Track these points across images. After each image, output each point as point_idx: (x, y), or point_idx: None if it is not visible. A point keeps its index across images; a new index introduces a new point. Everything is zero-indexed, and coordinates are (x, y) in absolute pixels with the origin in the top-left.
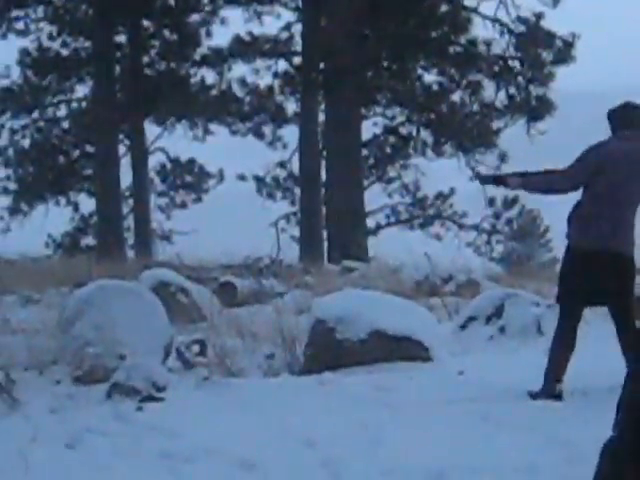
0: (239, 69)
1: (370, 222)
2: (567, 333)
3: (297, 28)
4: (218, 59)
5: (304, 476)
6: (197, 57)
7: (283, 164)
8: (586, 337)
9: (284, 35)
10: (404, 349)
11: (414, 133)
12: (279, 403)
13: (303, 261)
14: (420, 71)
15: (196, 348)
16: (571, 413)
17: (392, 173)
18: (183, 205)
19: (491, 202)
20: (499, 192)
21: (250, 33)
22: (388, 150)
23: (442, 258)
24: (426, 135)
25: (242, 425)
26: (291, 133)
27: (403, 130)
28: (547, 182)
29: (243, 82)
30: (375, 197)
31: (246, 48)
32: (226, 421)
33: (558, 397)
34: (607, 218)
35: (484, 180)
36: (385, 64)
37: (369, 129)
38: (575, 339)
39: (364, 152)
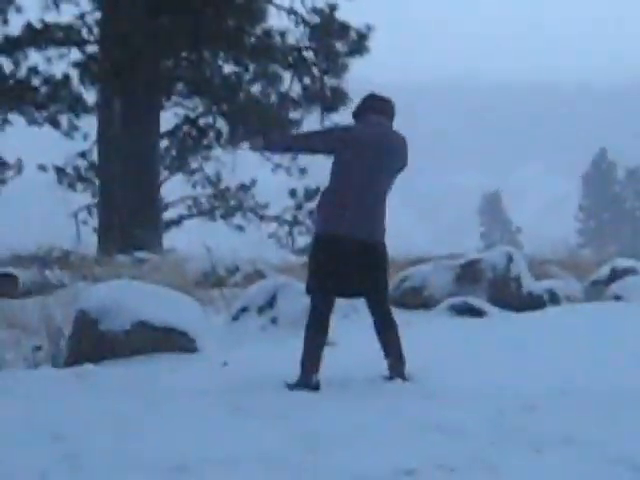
0: (34, 58)
1: (172, 214)
2: (319, 323)
3: (94, 17)
4: (13, 47)
5: (46, 471)
6: None
7: (84, 154)
8: (345, 328)
9: (78, 24)
10: (169, 340)
11: (212, 124)
12: (32, 395)
13: (100, 253)
14: (220, 62)
15: None
16: (326, 403)
17: (194, 164)
18: None
19: (293, 193)
20: (300, 183)
21: (42, 21)
22: (190, 141)
23: (246, 250)
24: (223, 126)
25: None
26: (92, 124)
27: (202, 121)
28: (288, 140)
29: (35, 71)
30: (179, 188)
31: (38, 36)
32: None
33: (315, 388)
34: (357, 204)
35: (254, 145)
36: (184, 54)
37: (171, 120)
38: (327, 328)
39: (165, 143)
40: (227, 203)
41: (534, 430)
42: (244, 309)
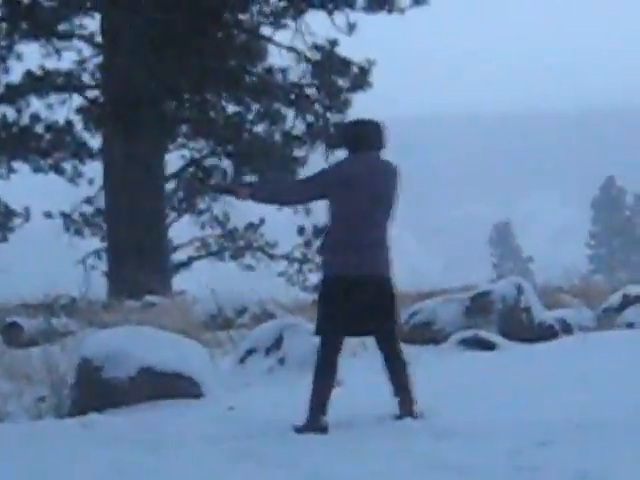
0: (36, 105)
1: (181, 255)
2: (328, 364)
3: (94, 62)
4: (14, 95)
5: None
6: None
7: (90, 200)
8: (354, 367)
9: (78, 69)
10: (175, 386)
11: (218, 165)
12: (36, 449)
13: (109, 298)
14: (223, 102)
15: None
16: (335, 447)
17: (202, 205)
18: None
19: (301, 231)
20: (308, 221)
21: (42, 67)
22: (197, 183)
23: (258, 290)
24: (228, 166)
25: None
26: (98, 169)
27: (207, 162)
28: (276, 192)
29: (38, 118)
30: (187, 230)
31: (39, 83)
32: None
33: (323, 430)
34: (360, 242)
35: (216, 189)
36: (186, 95)
37: (177, 162)
38: (336, 370)
39: (172, 185)
40: (236, 243)
41: (550, 467)
42: (251, 351)
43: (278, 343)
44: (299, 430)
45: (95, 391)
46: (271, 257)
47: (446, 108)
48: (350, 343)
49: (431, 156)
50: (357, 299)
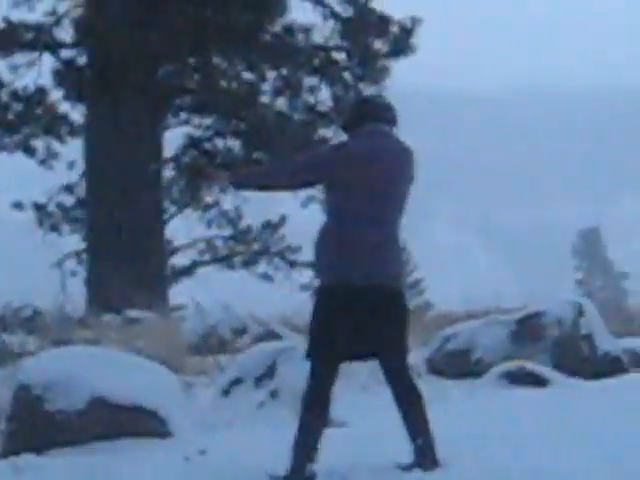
0: None
1: (182, 260)
2: (320, 397)
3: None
4: None
5: None
6: None
7: (69, 188)
8: (362, 404)
9: (49, 22)
10: (135, 422)
11: (221, 146)
12: None
13: (89, 312)
14: (232, 68)
15: None
16: None
17: (209, 198)
18: None
19: None
20: None
21: (6, 19)
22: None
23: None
24: (236, 147)
25: None
26: (80, 150)
27: (212, 143)
28: (261, 175)
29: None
30: (190, 229)
31: (2, 38)
32: None
33: None
34: (363, 243)
35: (216, 181)
36: (186, 59)
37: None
38: (329, 404)
39: (171, 172)
40: (249, 246)
41: None
42: (237, 381)
43: (271, 372)
44: None
45: (34, 426)
46: (292, 265)
47: (516, 81)
48: (360, 374)
49: (496, 145)
50: (361, 315)
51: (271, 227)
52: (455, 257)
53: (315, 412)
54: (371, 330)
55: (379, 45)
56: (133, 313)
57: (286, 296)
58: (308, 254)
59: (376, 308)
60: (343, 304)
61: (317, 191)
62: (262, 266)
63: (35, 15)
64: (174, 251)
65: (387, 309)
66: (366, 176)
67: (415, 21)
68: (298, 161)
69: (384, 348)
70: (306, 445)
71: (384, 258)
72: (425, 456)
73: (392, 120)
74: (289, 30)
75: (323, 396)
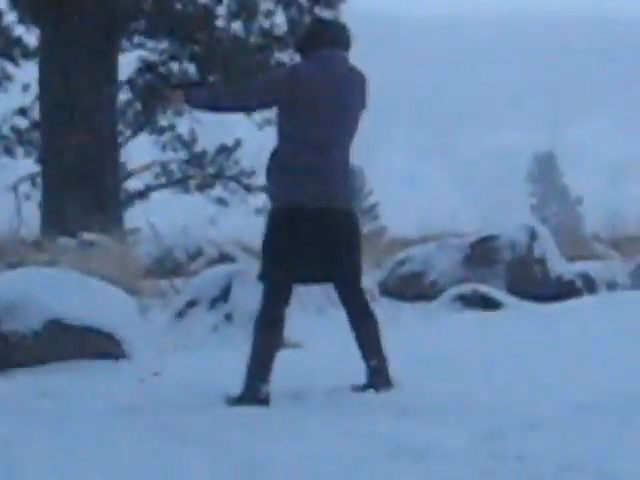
0: None
1: (136, 184)
2: (273, 318)
3: None
4: None
5: None
6: None
7: (23, 111)
8: (317, 326)
9: None
10: (90, 344)
11: (175, 69)
12: None
13: (43, 235)
14: None
15: None
16: (274, 424)
17: (163, 121)
18: None
19: None
20: None
21: None
22: (155, 92)
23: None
24: (192, 71)
25: None
26: (34, 72)
27: (167, 67)
28: (216, 96)
29: None
30: (145, 152)
31: None
32: None
33: (262, 402)
34: (315, 165)
35: (173, 101)
36: None
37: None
38: (283, 325)
39: (127, 95)
40: (204, 170)
41: (533, 454)
42: (192, 303)
43: (225, 294)
44: (234, 402)
45: None
46: (248, 189)
47: (474, 7)
48: (314, 296)
49: (454, 69)
50: (313, 237)
51: (226, 151)
52: (410, 182)
53: (268, 333)
54: (323, 253)
55: None
56: (88, 236)
57: (241, 219)
58: (263, 178)
59: (327, 230)
60: (294, 227)
61: (273, 114)
62: (217, 190)
63: None
64: (129, 175)
65: (338, 231)
66: (315, 100)
67: None
68: (253, 82)
69: (337, 270)
70: (259, 366)
71: (333, 181)
72: (378, 377)
73: (346, 44)
74: None
75: (276, 317)
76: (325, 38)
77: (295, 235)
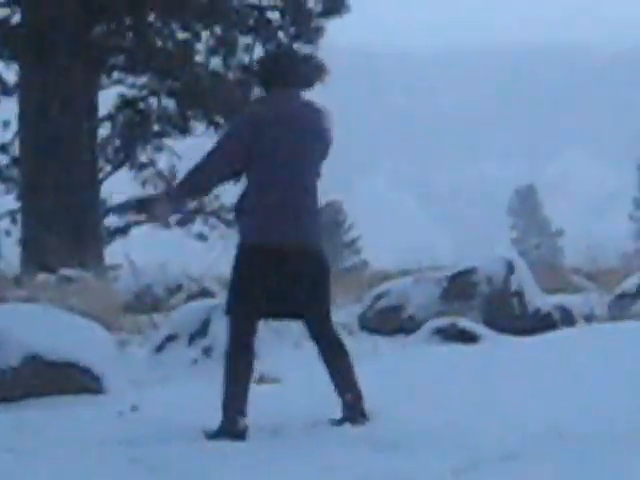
0: None
1: (118, 220)
2: (244, 351)
3: None
4: None
5: None
6: None
7: (4, 148)
8: (295, 361)
9: None
10: (68, 379)
11: (155, 106)
12: None
13: (23, 271)
14: (167, 28)
15: None
16: (252, 457)
17: (144, 157)
18: None
19: None
20: None
21: None
22: (136, 128)
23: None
24: (171, 106)
25: None
26: (15, 109)
27: (146, 103)
28: (195, 180)
29: None
30: (125, 188)
31: None
32: None
33: (239, 436)
34: (282, 204)
35: (162, 213)
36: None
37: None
38: (253, 356)
39: (106, 131)
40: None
41: None
42: (171, 337)
43: (204, 329)
44: (211, 436)
45: None
46: (228, 224)
47: (454, 43)
48: (293, 331)
49: (437, 103)
50: (280, 272)
51: None
52: (391, 216)
53: (239, 363)
54: (289, 289)
55: (312, 4)
56: (68, 272)
57: (221, 254)
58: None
59: (294, 267)
60: (260, 263)
61: None
62: (197, 226)
63: None
64: (109, 211)
65: (305, 268)
66: (270, 140)
67: None
68: (219, 148)
69: (304, 308)
70: (234, 398)
71: (300, 220)
72: (354, 410)
73: (303, 77)
74: None
75: (245, 347)
76: (276, 76)
77: (261, 271)
